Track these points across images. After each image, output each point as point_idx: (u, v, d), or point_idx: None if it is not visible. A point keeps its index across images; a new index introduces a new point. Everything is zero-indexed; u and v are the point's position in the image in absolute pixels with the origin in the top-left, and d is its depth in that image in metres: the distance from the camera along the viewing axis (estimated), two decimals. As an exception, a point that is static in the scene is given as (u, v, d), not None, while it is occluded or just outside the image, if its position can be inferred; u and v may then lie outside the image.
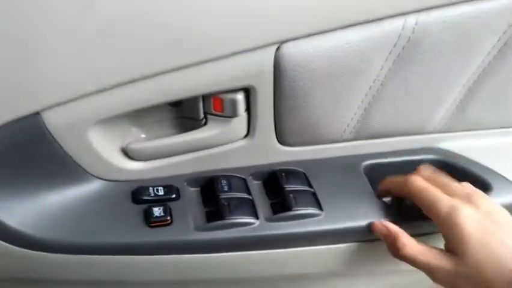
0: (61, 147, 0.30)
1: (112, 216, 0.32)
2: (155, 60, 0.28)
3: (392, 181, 0.37)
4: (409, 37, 0.32)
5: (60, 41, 0.26)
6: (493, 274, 0.28)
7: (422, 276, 0.32)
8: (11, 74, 0.26)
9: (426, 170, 0.36)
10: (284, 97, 0.33)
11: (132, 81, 0.29)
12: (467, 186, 0.33)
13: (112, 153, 0.33)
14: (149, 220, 0.32)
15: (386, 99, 0.36)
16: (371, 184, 0.38)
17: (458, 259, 0.30)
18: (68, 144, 0.30)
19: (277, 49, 0.31)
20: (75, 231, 0.31)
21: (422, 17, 0.31)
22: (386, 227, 0.34)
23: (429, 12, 0.31)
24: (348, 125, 0.37)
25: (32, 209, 0.31)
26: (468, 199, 0.31)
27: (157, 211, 0.32)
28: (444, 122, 0.40)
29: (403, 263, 0.32)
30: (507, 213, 0.32)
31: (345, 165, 0.40)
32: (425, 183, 0.33)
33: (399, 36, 0.32)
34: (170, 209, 0.33)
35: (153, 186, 0.34)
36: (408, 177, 0.34)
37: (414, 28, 0.32)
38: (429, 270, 0.31)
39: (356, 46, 0.31)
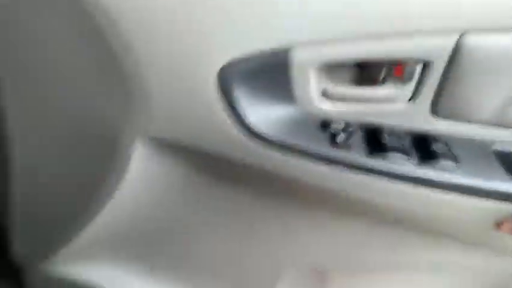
0: (291, 76, 0.43)
1: (307, 134, 0.45)
2: (379, 23, 0.40)
3: None
4: None
5: None
6: None
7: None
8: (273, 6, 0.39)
9: None
10: (451, 77, 0.44)
11: (355, 38, 0.41)
12: None
13: (314, 91, 0.46)
14: (334, 142, 0.44)
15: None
16: None
17: None
18: (296, 76, 0.43)
19: (460, 36, 0.41)
20: (285, 137, 0.44)
21: None
22: None
23: None
24: (490, 112, 0.46)
25: (268, 116, 0.44)
26: None
27: (341, 137, 0.44)
28: None
29: None
30: None
31: (477, 146, 0.49)
32: None
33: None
34: (348, 138, 0.45)
35: (336, 121, 0.46)
36: None
37: None
38: None
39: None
